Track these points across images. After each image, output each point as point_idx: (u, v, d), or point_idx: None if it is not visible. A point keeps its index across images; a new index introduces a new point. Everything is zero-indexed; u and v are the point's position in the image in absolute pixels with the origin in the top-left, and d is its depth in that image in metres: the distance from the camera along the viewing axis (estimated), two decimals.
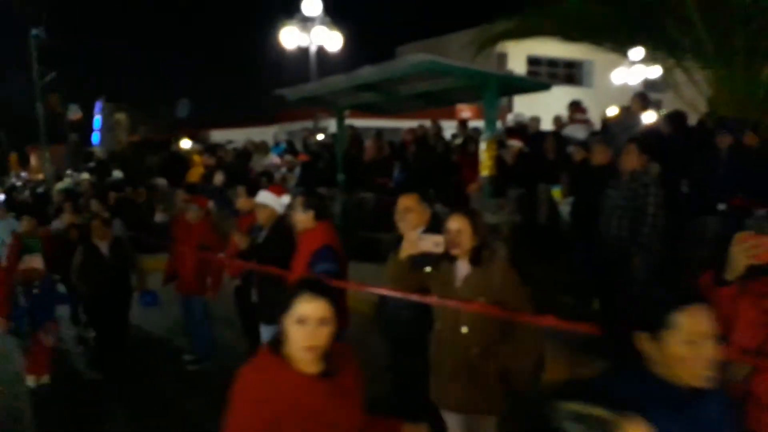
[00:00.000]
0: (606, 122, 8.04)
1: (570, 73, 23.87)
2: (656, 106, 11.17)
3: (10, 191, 11.09)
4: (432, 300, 2.97)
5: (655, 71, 13.43)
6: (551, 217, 6.92)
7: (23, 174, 15.84)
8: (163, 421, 4.61)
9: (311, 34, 11.50)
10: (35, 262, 5.48)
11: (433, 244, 2.81)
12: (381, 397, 3.83)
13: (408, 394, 3.49)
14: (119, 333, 5.80)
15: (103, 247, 5.71)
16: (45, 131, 16.77)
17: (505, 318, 2.75)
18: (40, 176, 15.61)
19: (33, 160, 18.33)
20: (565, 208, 6.40)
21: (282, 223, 4.46)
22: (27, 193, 10.99)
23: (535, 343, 2.79)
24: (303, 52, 11.89)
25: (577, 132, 7.58)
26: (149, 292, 6.08)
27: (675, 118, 6.70)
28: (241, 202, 5.34)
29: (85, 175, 12.52)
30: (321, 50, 11.89)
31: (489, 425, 2.85)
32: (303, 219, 3.93)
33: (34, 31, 17.98)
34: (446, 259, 2.90)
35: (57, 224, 7.16)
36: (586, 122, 8.12)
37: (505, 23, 8.62)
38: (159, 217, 6.46)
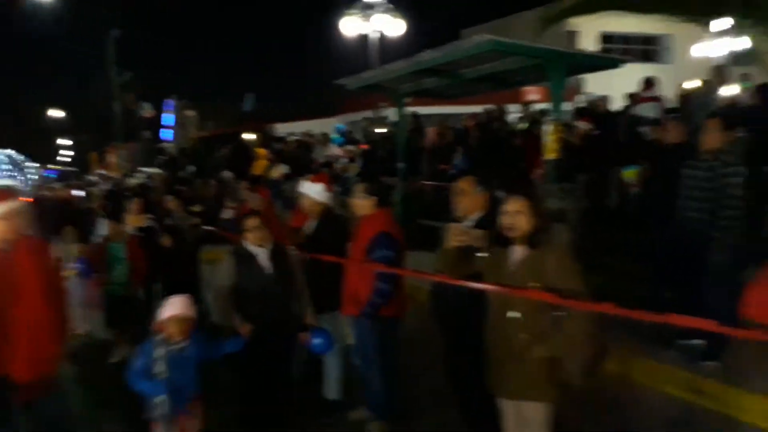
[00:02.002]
0: (684, 97, 7.48)
1: (647, 49, 22.52)
2: (745, 79, 10.32)
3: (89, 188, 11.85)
4: (483, 286, 2.89)
5: (742, 43, 12.40)
6: (623, 201, 6.57)
7: (101, 171, 16.84)
8: None
9: (372, 21, 11.46)
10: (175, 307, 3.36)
11: (473, 238, 2.87)
12: (438, 385, 3.83)
13: (464, 382, 3.42)
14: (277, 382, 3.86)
15: (263, 256, 3.81)
16: (121, 130, 17.74)
17: (557, 305, 2.63)
18: (117, 173, 16.53)
19: (110, 158, 19.47)
20: (638, 191, 6.05)
21: (330, 213, 4.44)
22: (102, 189, 11.67)
23: (588, 333, 2.64)
24: (364, 40, 11.89)
25: (648, 110, 7.12)
26: (320, 331, 3.94)
27: (765, 90, 6.15)
28: (245, 195, 5.54)
29: (156, 170, 13.14)
30: (383, 38, 11.83)
31: (538, 413, 2.78)
32: (363, 205, 3.94)
33: (112, 32, 18.95)
34: (500, 242, 2.85)
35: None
36: (657, 99, 7.59)
37: None
38: (226, 213, 6.56)
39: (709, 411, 3.91)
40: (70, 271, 5.98)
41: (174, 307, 3.35)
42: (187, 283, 5.31)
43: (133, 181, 12.31)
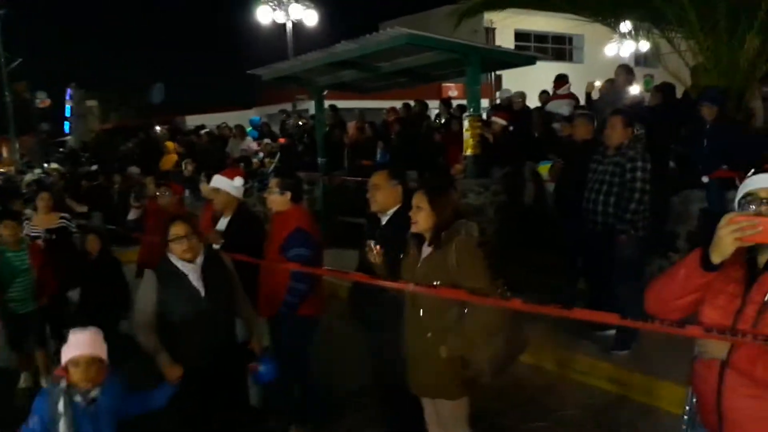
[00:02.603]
0: (590, 96, 7.83)
1: (560, 48, 23.56)
2: (648, 79, 10.95)
3: None
4: (392, 284, 2.86)
5: (645, 44, 13.19)
6: (538, 195, 6.75)
7: None
8: None
9: (288, 10, 11.16)
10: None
11: (373, 256, 2.88)
12: (360, 385, 3.71)
13: (386, 379, 3.35)
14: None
15: (194, 273, 3.09)
16: (14, 121, 16.31)
17: (462, 301, 2.60)
18: (11, 169, 15.18)
19: (4, 152, 17.88)
20: (552, 186, 6.22)
21: (244, 207, 4.26)
22: None
23: (491, 329, 2.63)
24: (280, 29, 11.57)
25: (561, 107, 7.38)
26: (266, 357, 3.42)
27: (664, 90, 6.51)
28: (204, 189, 5.12)
29: (55, 165, 12.17)
30: (299, 28, 11.57)
31: (453, 410, 2.77)
32: (278, 201, 3.76)
33: None
34: (415, 240, 2.82)
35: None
36: (570, 97, 7.90)
37: None
38: (132, 214, 5.88)
39: (624, 399, 4.06)
40: None
41: (77, 346, 2.50)
42: (113, 297, 4.83)
43: (28, 178, 11.29)
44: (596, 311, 2.46)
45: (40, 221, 5.58)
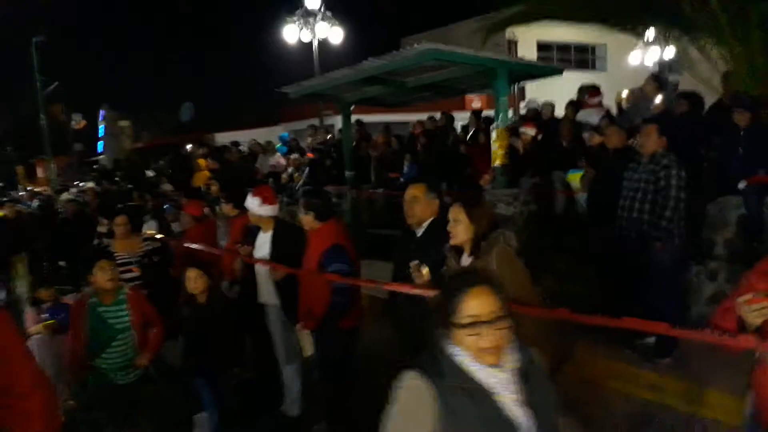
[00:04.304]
0: (620, 105, 7.78)
1: (582, 57, 23.45)
2: (674, 87, 10.85)
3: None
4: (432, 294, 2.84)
5: (670, 52, 13.09)
6: (568, 205, 6.72)
7: (29, 188, 15.81)
8: None
9: (314, 29, 11.35)
10: None
11: (419, 277, 2.95)
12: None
13: None
14: None
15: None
16: (50, 142, 16.74)
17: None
18: (47, 189, 15.59)
19: (39, 172, 18.35)
20: (583, 195, 6.20)
21: (284, 224, 4.37)
22: (35, 205, 10.88)
23: (540, 339, 2.62)
24: (306, 48, 11.76)
25: (591, 116, 7.35)
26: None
27: (690, 98, 6.46)
28: (225, 209, 5.26)
29: (90, 184, 12.46)
30: (324, 45, 11.73)
31: None
32: (305, 220, 3.88)
33: (35, 39, 17.91)
34: (455, 252, 2.84)
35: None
36: (599, 106, 7.87)
37: (512, 8, 8.40)
38: (101, 227, 5.56)
39: (667, 407, 3.98)
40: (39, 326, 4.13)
41: None
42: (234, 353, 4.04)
43: (64, 197, 11.58)
44: (646, 320, 2.44)
45: (121, 247, 4.69)
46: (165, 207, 6.12)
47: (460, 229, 2.74)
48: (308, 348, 4.04)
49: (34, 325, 4.25)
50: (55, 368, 3.84)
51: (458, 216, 2.76)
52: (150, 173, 12.21)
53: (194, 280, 3.85)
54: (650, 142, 4.47)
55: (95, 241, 5.73)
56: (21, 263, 5.98)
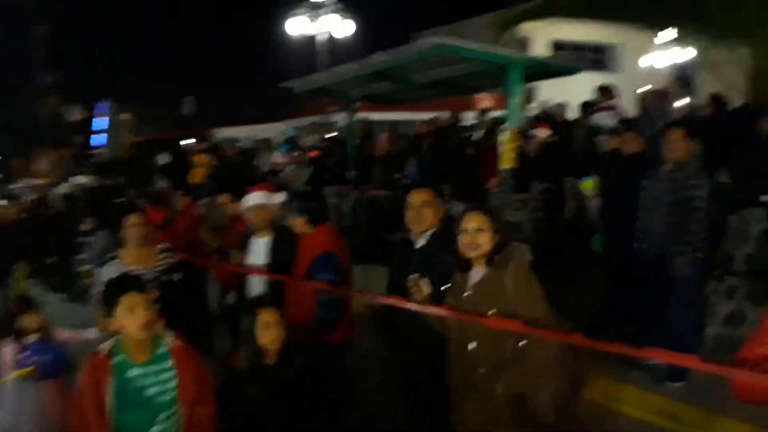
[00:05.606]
0: (645, 105, 7.33)
1: (597, 57, 22.99)
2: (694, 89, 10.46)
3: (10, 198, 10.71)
4: (436, 310, 2.63)
5: (689, 53, 12.68)
6: (579, 213, 6.39)
7: (26, 180, 15.67)
8: None
9: (320, 22, 11.07)
10: None
11: (418, 292, 2.70)
12: (391, 415, 3.46)
13: (423, 415, 3.10)
14: None
15: None
16: (48, 134, 16.64)
17: (519, 334, 2.35)
18: (45, 181, 15.45)
19: (37, 165, 18.24)
20: (595, 203, 5.87)
21: (283, 228, 4.02)
22: (29, 199, 10.65)
23: (553, 364, 2.39)
24: (309, 42, 11.50)
25: (605, 119, 7.01)
26: None
27: (717, 101, 6.12)
28: (229, 207, 4.96)
29: (82, 179, 12.19)
30: (331, 40, 11.46)
31: None
32: (296, 223, 3.62)
33: (36, 29, 17.77)
34: (460, 265, 2.60)
35: None
36: (614, 108, 7.50)
37: (527, 4, 8.11)
38: (85, 224, 5.25)
39: None
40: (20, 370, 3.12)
41: None
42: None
43: (59, 191, 11.28)
44: (674, 353, 2.14)
45: (133, 258, 3.55)
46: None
47: (485, 238, 2.50)
48: None
49: (11, 365, 3.13)
50: (38, 426, 3.01)
51: (482, 225, 2.51)
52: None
53: (269, 328, 2.53)
54: (678, 148, 4.12)
55: (77, 239, 5.43)
56: (21, 272, 5.56)
